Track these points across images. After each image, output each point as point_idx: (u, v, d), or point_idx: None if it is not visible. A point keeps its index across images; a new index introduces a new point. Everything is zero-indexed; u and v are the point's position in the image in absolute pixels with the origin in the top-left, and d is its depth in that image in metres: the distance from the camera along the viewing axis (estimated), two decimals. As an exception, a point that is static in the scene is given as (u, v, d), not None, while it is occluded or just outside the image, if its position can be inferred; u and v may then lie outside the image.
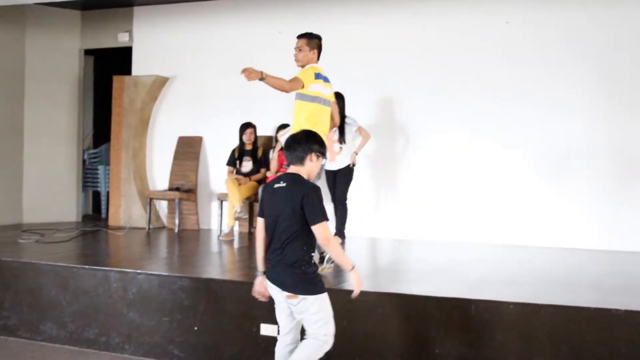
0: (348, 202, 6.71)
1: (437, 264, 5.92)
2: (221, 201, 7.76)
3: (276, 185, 3.53)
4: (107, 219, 8.73)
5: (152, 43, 8.64)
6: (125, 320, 4.96)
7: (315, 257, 4.13)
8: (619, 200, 6.73)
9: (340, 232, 6.61)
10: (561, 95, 6.92)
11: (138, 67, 8.73)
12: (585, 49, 6.86)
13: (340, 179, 6.68)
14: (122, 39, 8.77)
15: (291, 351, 3.52)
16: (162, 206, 8.48)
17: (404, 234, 7.42)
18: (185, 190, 8.09)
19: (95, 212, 9.95)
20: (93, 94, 10.00)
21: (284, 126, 6.68)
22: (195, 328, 4.76)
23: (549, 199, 6.94)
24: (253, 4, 8.15)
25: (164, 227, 8.36)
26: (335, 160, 6.40)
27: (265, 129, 7.91)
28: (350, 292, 3.62)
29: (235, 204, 7.09)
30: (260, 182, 7.52)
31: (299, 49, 5.05)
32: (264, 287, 3.58)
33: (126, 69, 8.80)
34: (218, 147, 8.21)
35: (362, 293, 3.60)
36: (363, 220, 7.41)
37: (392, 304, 4.33)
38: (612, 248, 6.66)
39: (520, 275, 5.23)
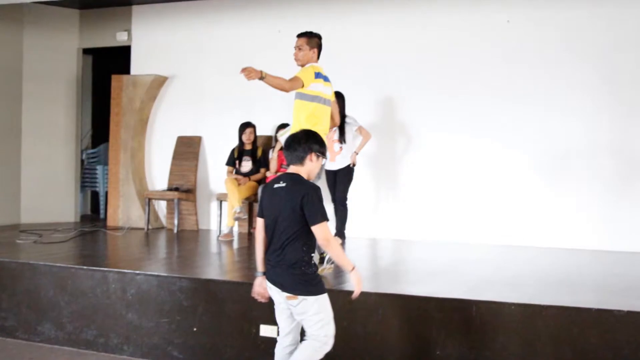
0: (348, 202, 6.70)
1: (438, 265, 5.90)
2: (220, 201, 7.74)
3: (276, 185, 3.50)
4: (105, 219, 8.71)
5: (151, 42, 8.62)
6: (124, 321, 4.94)
7: (315, 257, 4.11)
8: (619, 200, 6.72)
9: (340, 232, 6.59)
10: (561, 95, 6.91)
11: (137, 66, 8.71)
12: (585, 49, 6.85)
13: (341, 179, 6.67)
14: (121, 38, 8.75)
15: (291, 352, 3.51)
16: (161, 206, 8.46)
17: (404, 235, 7.41)
18: (184, 190, 8.06)
19: (94, 213, 9.94)
20: (91, 94, 9.98)
21: (283, 126, 6.66)
22: (195, 329, 4.73)
23: (549, 199, 6.93)
24: (252, 3, 8.13)
25: (162, 227, 8.34)
26: (336, 160, 6.40)
27: (264, 129, 7.89)
28: (351, 293, 3.60)
29: (234, 204, 7.06)
30: (259, 182, 7.50)
31: (298, 48, 5.02)
32: (263, 287, 3.55)
33: (125, 68, 8.78)
34: (217, 147, 8.19)
35: (363, 294, 3.58)
36: (363, 221, 7.39)
37: (393, 305, 4.31)
38: (613, 248, 6.65)
39: (522, 276, 5.22)
